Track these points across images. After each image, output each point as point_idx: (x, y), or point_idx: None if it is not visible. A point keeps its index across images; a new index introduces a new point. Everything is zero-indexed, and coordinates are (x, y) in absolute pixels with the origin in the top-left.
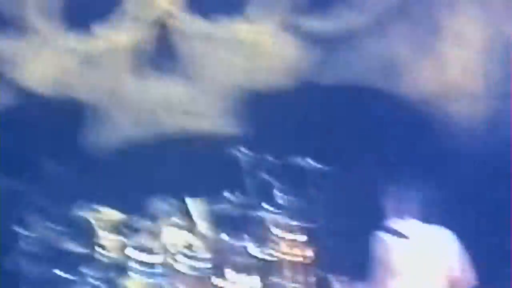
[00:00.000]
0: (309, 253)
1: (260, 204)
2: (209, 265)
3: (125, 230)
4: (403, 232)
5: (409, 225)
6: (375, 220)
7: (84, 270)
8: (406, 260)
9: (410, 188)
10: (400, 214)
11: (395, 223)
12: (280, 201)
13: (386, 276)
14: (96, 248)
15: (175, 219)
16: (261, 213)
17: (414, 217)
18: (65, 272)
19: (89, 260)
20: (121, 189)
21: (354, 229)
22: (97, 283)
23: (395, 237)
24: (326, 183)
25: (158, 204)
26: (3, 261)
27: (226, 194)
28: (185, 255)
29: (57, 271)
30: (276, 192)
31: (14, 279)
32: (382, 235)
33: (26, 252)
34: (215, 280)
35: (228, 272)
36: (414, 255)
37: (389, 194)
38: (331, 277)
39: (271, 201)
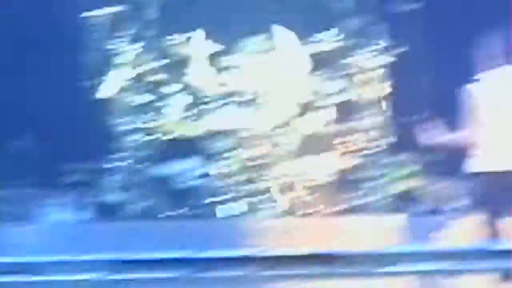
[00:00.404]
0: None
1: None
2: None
3: (217, 66)
4: (491, 81)
5: (497, 74)
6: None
7: (174, 103)
8: (493, 109)
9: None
10: (490, 64)
11: (484, 73)
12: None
13: (475, 124)
14: (188, 82)
15: (268, 58)
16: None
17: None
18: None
19: (179, 94)
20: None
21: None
22: (183, 115)
23: (483, 87)
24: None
25: (251, 42)
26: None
27: (320, 35)
28: (278, 93)
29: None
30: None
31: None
32: (472, 85)
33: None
34: (306, 119)
35: (322, 112)
36: (502, 104)
37: (478, 43)
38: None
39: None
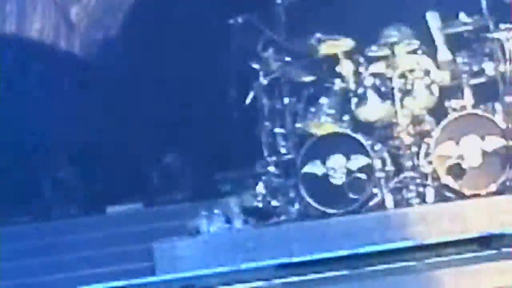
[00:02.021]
0: None
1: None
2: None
3: (361, 59)
4: None
5: None
6: None
7: (321, 101)
8: None
9: None
10: None
11: None
12: None
13: None
14: (333, 78)
15: (410, 46)
16: (498, 34)
17: None
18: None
19: (326, 91)
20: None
21: None
22: (331, 111)
23: None
24: None
25: (392, 32)
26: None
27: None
28: (421, 80)
29: (287, 100)
30: None
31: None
32: None
33: (265, 87)
34: (452, 103)
35: (467, 93)
36: None
37: None
38: None
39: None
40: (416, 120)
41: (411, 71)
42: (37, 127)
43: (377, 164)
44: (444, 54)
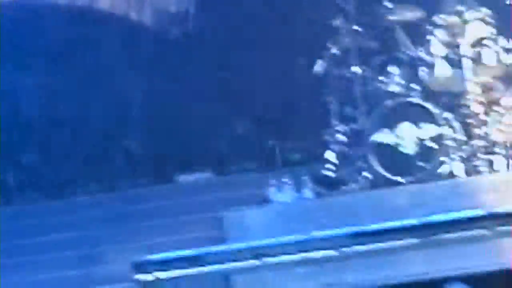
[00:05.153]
0: None
1: None
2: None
3: (430, 27)
4: None
5: None
6: None
7: (390, 70)
8: None
9: None
10: None
11: None
12: None
13: None
14: (402, 47)
15: (479, 13)
16: None
17: None
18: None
19: (395, 60)
20: None
21: None
22: (401, 80)
23: None
24: None
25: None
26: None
27: None
28: (491, 47)
29: (357, 68)
30: None
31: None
32: None
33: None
34: None
35: None
36: None
37: None
38: None
39: None
40: (485, 88)
41: (481, 38)
42: (107, 98)
43: (447, 132)
44: None
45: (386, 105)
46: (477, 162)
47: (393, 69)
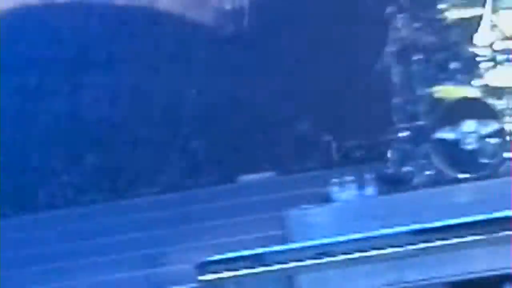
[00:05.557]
0: None
1: None
2: None
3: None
4: None
5: None
6: None
7: (452, 66)
8: None
9: None
10: None
11: None
12: None
13: None
14: (463, 43)
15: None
16: None
17: None
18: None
19: (456, 56)
20: None
21: None
22: (462, 76)
23: None
24: None
25: None
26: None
27: None
28: None
29: (417, 65)
30: None
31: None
32: None
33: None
34: None
35: None
36: None
37: None
38: None
39: None
40: None
41: None
42: (167, 99)
43: (510, 128)
44: None
45: (448, 102)
46: None
47: (454, 65)
